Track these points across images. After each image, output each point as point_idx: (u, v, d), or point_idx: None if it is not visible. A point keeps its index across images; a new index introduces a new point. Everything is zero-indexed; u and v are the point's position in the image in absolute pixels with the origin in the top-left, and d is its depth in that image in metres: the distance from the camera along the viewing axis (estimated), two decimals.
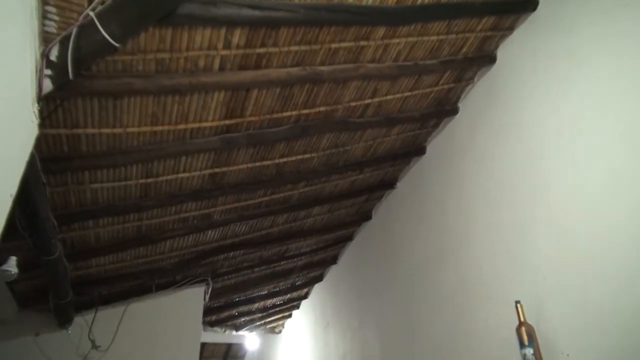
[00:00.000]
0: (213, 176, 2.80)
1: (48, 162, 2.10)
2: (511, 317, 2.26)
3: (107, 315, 3.83)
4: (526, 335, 2.07)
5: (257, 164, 2.84)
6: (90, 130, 2.13)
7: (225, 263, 4.12)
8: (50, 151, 2.15)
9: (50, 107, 1.91)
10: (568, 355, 2.00)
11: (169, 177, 2.64)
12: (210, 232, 3.45)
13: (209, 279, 4.16)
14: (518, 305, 2.16)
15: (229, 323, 5.67)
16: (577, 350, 1.98)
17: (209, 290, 4.27)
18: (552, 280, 2.18)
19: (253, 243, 3.85)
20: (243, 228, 3.61)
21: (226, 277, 4.37)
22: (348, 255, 4.80)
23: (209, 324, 5.38)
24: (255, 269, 4.46)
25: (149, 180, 2.60)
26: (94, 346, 3.61)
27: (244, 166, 2.81)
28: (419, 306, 3.26)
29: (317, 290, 5.55)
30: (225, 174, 2.82)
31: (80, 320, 3.73)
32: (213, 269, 4.10)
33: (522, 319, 2.12)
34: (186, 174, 2.68)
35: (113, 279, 3.49)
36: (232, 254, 3.95)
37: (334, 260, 4.98)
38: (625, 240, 1.87)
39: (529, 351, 2.03)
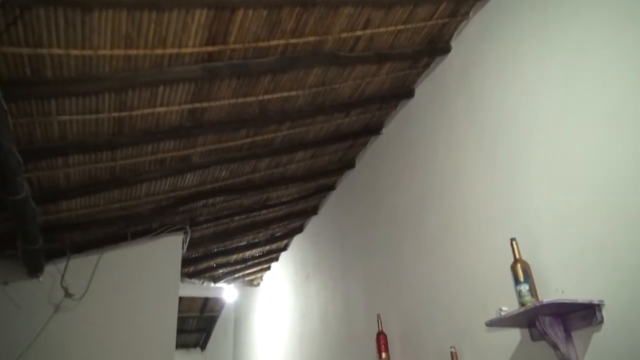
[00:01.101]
0: (193, 112, 2.62)
1: (9, 86, 1.89)
2: (504, 256, 2.22)
3: (80, 264, 3.68)
4: (521, 272, 2.02)
5: (240, 100, 2.67)
6: (56, 51, 1.92)
7: (204, 211, 3.98)
8: (10, 74, 1.94)
9: (8, 17, 1.69)
10: (563, 291, 1.96)
11: (145, 111, 2.45)
12: (188, 176, 3.29)
13: (188, 228, 4.02)
14: (513, 242, 2.10)
15: (207, 275, 5.57)
16: (572, 286, 1.94)
17: (187, 240, 4.14)
18: (547, 218, 2.12)
19: (233, 189, 3.71)
20: (223, 173, 3.45)
21: (205, 226, 4.24)
22: (329, 205, 4.71)
23: (186, 275, 5.27)
24: (235, 218, 4.34)
25: (123, 114, 2.41)
26: (67, 294, 3.47)
27: (226, 102, 2.63)
28: (404, 252, 3.21)
29: (297, 241, 5.48)
30: (206, 110, 2.64)
31: (52, 269, 3.57)
32: (191, 216, 3.96)
33: (517, 256, 2.07)
34: (163, 109, 2.49)
35: (86, 225, 3.32)
36: (211, 200, 3.81)
37: (314, 210, 4.89)
38: (624, 178, 1.81)
39: (525, 287, 1.98)
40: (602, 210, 1.88)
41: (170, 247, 4.05)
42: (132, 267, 3.83)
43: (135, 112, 2.42)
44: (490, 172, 2.51)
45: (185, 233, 4.09)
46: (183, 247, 4.14)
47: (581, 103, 2.03)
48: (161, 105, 2.45)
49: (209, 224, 4.23)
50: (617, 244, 1.81)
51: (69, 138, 2.42)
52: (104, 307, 3.61)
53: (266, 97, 2.73)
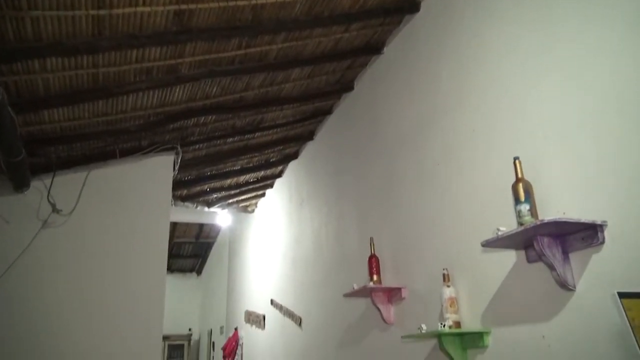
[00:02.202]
0: (179, 15, 2.41)
1: None
2: (505, 177, 2.12)
3: (68, 180, 3.59)
4: (523, 192, 1.92)
5: (231, 3, 2.44)
6: None
7: (195, 130, 3.84)
8: None
9: None
10: (564, 212, 1.88)
11: (126, 10, 2.25)
12: (177, 89, 3.12)
13: (179, 147, 3.90)
14: (516, 161, 1.99)
15: (200, 199, 5.53)
16: (573, 208, 1.86)
17: (179, 160, 4.03)
18: (554, 137, 2.00)
19: (225, 108, 3.55)
20: (214, 89, 3.28)
21: (197, 147, 4.12)
22: (326, 130, 4.57)
23: (179, 198, 5.22)
24: (228, 140, 4.21)
25: (102, 12, 2.21)
26: (55, 210, 3.41)
27: (215, 5, 2.42)
28: (401, 176, 3.12)
29: (292, 168, 5.39)
30: (194, 13, 2.43)
31: (39, 185, 3.48)
32: (182, 135, 3.83)
33: (519, 175, 1.97)
34: (146, 9, 2.29)
35: (71, 139, 3.19)
36: (202, 119, 3.66)
37: (310, 136, 4.75)
38: (634, 97, 1.67)
39: (525, 207, 1.89)
40: (610, 130, 1.76)
41: (161, 167, 3.95)
42: (122, 186, 3.75)
43: (115, 11, 2.22)
44: (496, 92, 2.36)
45: (177, 153, 3.98)
46: (174, 168, 4.04)
47: (597, 15, 1.84)
48: (144, 4, 2.24)
49: (200, 145, 4.10)
50: (622, 165, 1.70)
51: (44, 38, 2.23)
52: (93, 225, 3.56)
53: (259, 1, 2.50)
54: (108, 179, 3.71)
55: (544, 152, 2.03)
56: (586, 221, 1.72)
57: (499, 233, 1.92)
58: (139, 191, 3.81)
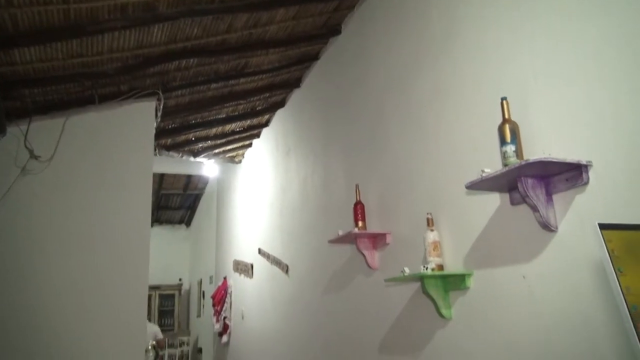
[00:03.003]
0: None
1: None
2: (492, 118, 2.08)
3: (46, 126, 3.49)
4: (509, 132, 1.88)
5: None
6: None
7: (177, 75, 3.71)
8: None
9: None
10: (550, 154, 1.85)
11: None
12: (156, 30, 2.98)
13: (160, 93, 3.78)
14: (504, 102, 1.94)
15: (185, 149, 5.44)
16: (559, 150, 1.82)
17: (161, 107, 3.92)
18: (544, 78, 1.94)
19: (208, 51, 3.41)
20: (195, 30, 3.14)
21: (179, 93, 4.00)
22: (313, 77, 4.45)
23: (164, 147, 5.13)
24: (212, 86, 4.09)
25: None
26: (33, 156, 3.32)
27: None
28: (388, 122, 3.06)
29: (278, 117, 5.29)
30: None
31: (16, 131, 3.38)
32: (164, 80, 3.70)
33: (506, 116, 1.92)
34: None
35: (46, 81, 3.07)
36: (184, 63, 3.52)
37: (297, 83, 4.63)
38: (626, 38, 1.60)
39: (510, 148, 1.86)
40: (600, 71, 1.70)
41: (143, 114, 3.84)
42: (102, 133, 3.65)
43: None
44: (487, 31, 2.27)
45: (158, 99, 3.86)
46: (157, 115, 3.93)
47: None
48: None
49: (183, 91, 3.98)
50: (609, 107, 1.66)
51: None
52: (74, 173, 3.49)
53: None
54: (87, 125, 3.60)
55: (533, 93, 1.97)
56: (571, 161, 1.69)
57: (483, 175, 1.89)
58: (121, 138, 3.72)
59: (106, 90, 3.52)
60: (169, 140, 5.04)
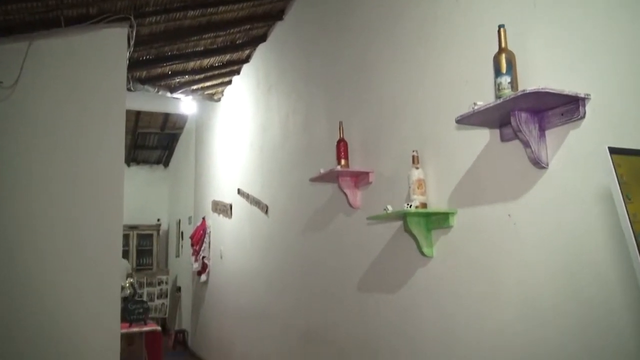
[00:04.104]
0: None
1: None
2: (488, 50, 1.96)
3: (8, 50, 3.24)
4: (505, 63, 1.77)
5: None
6: None
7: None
8: None
9: None
10: (546, 87, 1.75)
11: None
12: None
13: (132, 19, 3.52)
14: (501, 29, 1.82)
15: (162, 83, 5.19)
16: (556, 82, 1.72)
17: (134, 34, 3.66)
18: (542, 6, 1.81)
19: None
20: None
21: (153, 20, 3.74)
22: (297, 9, 4.20)
23: (139, 80, 4.88)
24: (189, 13, 3.83)
25: None
26: None
27: None
28: (376, 58, 2.90)
29: (260, 52, 5.05)
30: None
31: None
32: (136, 4, 3.44)
33: (503, 45, 1.80)
34: None
35: None
36: None
37: (280, 15, 4.38)
38: None
39: (506, 79, 1.76)
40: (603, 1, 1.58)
41: (114, 41, 3.58)
42: (70, 60, 3.41)
43: None
44: None
45: (131, 26, 3.60)
46: (129, 43, 3.69)
47: None
48: None
49: (158, 18, 3.72)
50: (610, 38, 1.55)
51: None
52: (40, 103, 3.28)
53: None
54: (54, 51, 3.35)
55: (531, 20, 1.85)
56: (569, 93, 1.60)
57: (475, 107, 1.80)
58: (91, 66, 3.48)
59: (73, 12, 3.26)
60: (144, 73, 4.79)
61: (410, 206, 2.21)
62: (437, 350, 2.27)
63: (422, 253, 2.31)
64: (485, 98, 1.95)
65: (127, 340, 4.67)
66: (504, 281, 1.91)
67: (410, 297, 2.46)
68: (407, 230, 2.32)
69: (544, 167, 1.75)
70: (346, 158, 2.97)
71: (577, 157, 1.65)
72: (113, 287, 3.24)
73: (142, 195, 10.16)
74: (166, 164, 11.15)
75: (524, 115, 1.74)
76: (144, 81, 4.90)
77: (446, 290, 2.22)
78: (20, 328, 2.94)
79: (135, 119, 8.49)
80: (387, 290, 2.65)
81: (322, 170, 2.99)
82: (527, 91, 1.58)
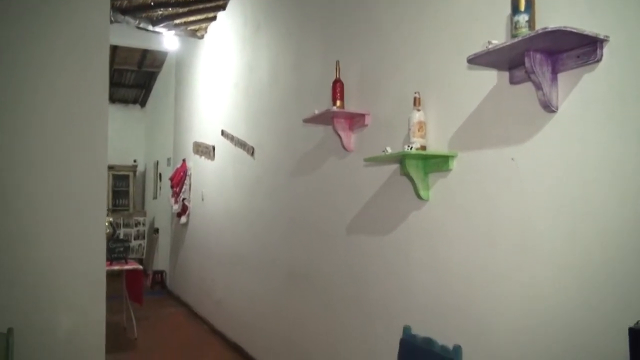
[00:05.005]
0: None
1: None
2: None
3: None
4: (524, 0, 1.71)
5: None
6: None
7: None
8: None
9: None
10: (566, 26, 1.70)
11: None
12: None
13: None
14: None
15: (143, 15, 4.92)
16: (574, 23, 1.67)
17: None
18: None
19: None
20: None
21: None
22: None
23: (119, 10, 4.61)
24: None
25: None
26: None
27: None
28: None
29: None
30: None
31: None
32: None
33: None
34: None
35: None
36: None
37: None
38: None
39: (524, 18, 1.69)
40: None
41: None
42: None
43: None
44: None
45: None
46: None
47: None
48: None
49: None
50: None
51: None
52: (17, 34, 3.03)
53: None
54: None
55: None
56: (589, 33, 1.55)
57: (490, 46, 1.74)
58: None
59: None
60: (125, 2, 4.51)
61: (411, 148, 2.18)
62: (427, 294, 2.31)
63: (419, 196, 2.30)
64: (496, 37, 1.89)
65: (109, 278, 4.64)
66: (502, 226, 1.92)
67: (403, 240, 2.48)
68: (405, 173, 2.30)
69: (553, 111, 1.73)
70: (342, 99, 2.90)
71: (588, 102, 1.63)
72: (98, 225, 3.16)
73: (117, 135, 9.87)
74: (143, 103, 10.81)
75: (538, 56, 1.69)
76: (125, 11, 4.63)
77: (441, 234, 2.23)
78: (6, 268, 2.87)
79: (112, 53, 8.09)
80: (379, 233, 2.66)
81: (316, 111, 2.92)
82: (549, 29, 1.52)
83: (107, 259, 4.87)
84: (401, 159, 2.31)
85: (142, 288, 5.24)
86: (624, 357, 1.31)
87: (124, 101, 10.71)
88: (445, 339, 2.15)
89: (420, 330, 2.31)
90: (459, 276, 2.12)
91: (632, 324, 1.07)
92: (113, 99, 10.45)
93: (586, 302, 1.59)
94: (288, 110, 3.80)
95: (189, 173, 6.66)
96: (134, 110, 10.87)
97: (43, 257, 2.94)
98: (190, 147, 6.63)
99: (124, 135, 10.27)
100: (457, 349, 2.04)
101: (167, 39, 6.22)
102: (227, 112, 5.29)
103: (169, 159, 8.05)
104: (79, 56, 3.16)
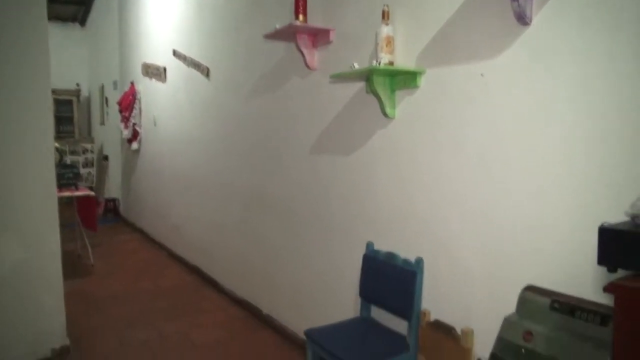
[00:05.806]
0: None
1: None
2: None
3: None
4: None
5: None
6: None
7: None
8: None
9: None
10: None
11: None
12: None
13: None
14: None
15: None
16: None
17: None
18: None
19: None
20: None
21: None
22: None
23: None
24: None
25: None
26: None
27: None
28: None
29: None
30: None
31: None
32: None
33: None
34: None
35: None
36: None
37: None
38: None
39: None
40: None
41: None
42: None
43: None
44: None
45: None
46: None
47: None
48: None
49: None
50: None
51: None
52: None
53: None
54: None
55: None
56: None
57: None
58: None
59: None
60: None
61: (379, 63, 2.12)
62: (390, 211, 2.35)
63: (385, 114, 2.28)
64: None
65: (59, 206, 4.46)
66: (468, 141, 1.94)
67: (368, 159, 2.47)
68: (372, 90, 2.25)
69: (527, 24, 1.70)
70: (304, 14, 2.75)
71: (565, 12, 1.60)
72: (46, 150, 2.98)
73: (56, 56, 9.06)
74: (83, 22, 9.97)
75: None
76: None
77: (406, 151, 2.24)
78: None
79: None
80: (343, 153, 2.64)
81: (277, 26, 2.76)
82: None
83: (57, 186, 4.68)
84: (368, 76, 2.25)
85: (95, 214, 5.09)
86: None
87: (62, 19, 9.84)
88: (407, 253, 2.22)
89: (383, 246, 2.38)
90: (423, 191, 2.16)
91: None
92: (49, 17, 9.55)
93: (551, 202, 1.66)
94: (244, 28, 3.60)
95: (138, 97, 6.32)
96: (74, 30, 10.03)
97: None
98: (139, 69, 6.25)
99: (63, 57, 9.54)
100: (419, 261, 2.12)
101: None
102: (178, 30, 4.96)
103: (115, 82, 7.59)
104: None
